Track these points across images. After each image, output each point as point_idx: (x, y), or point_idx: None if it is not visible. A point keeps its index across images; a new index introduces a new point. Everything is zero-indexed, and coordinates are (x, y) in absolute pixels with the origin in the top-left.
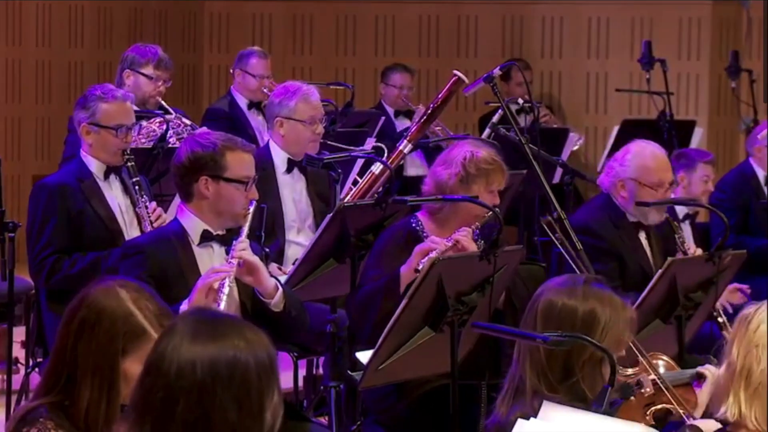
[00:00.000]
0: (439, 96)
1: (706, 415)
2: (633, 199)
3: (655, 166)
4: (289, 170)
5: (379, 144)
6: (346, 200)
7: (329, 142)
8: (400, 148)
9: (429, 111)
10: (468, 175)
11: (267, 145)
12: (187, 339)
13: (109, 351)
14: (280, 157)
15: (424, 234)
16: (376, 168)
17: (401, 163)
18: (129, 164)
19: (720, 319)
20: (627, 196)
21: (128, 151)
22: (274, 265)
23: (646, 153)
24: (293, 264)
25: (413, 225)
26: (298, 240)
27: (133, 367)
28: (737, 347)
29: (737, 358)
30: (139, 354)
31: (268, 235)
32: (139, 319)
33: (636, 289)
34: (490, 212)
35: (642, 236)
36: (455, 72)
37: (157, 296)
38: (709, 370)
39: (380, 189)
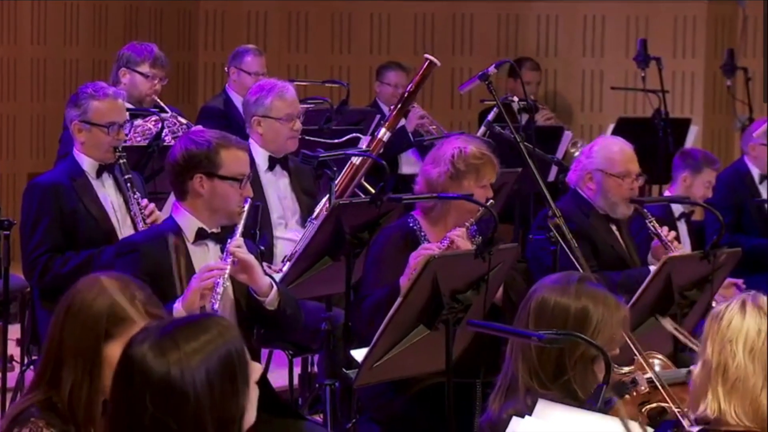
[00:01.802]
0: (413, 81)
1: None
2: (600, 190)
3: (621, 156)
4: (270, 168)
5: (357, 135)
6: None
7: (324, 140)
8: (379, 135)
9: (404, 96)
10: (458, 172)
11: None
12: (134, 375)
13: (92, 333)
14: (260, 156)
15: (422, 233)
16: (356, 159)
17: (380, 151)
18: (121, 161)
19: None
20: (594, 188)
21: (120, 149)
22: (264, 263)
23: (612, 145)
24: (282, 261)
25: (410, 225)
26: (287, 236)
27: (118, 351)
28: (711, 345)
29: (712, 356)
30: (124, 339)
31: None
32: (122, 304)
33: (610, 269)
34: (483, 208)
35: (612, 227)
36: (426, 56)
37: (146, 288)
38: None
39: (362, 179)
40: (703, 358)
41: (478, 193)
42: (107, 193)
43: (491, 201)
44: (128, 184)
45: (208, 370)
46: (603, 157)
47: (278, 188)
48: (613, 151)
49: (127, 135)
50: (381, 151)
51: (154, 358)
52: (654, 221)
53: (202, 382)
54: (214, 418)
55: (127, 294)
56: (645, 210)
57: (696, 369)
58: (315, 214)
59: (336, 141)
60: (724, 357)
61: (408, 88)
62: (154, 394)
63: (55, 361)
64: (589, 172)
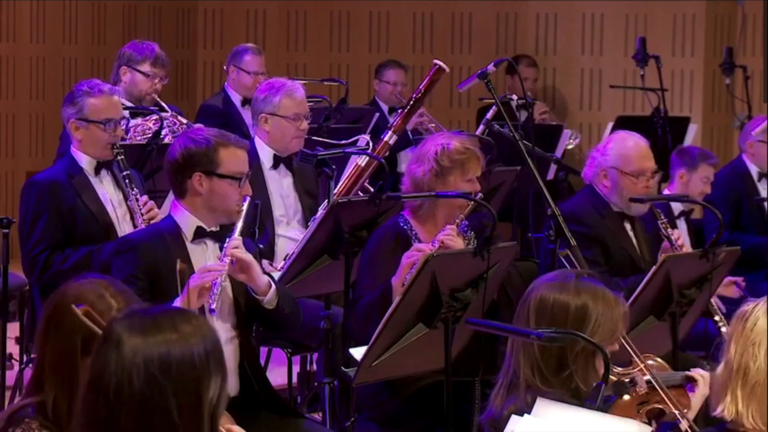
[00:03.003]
0: (421, 86)
1: (701, 414)
2: (615, 188)
3: (636, 154)
4: (275, 166)
5: (364, 136)
6: (337, 195)
7: (323, 139)
8: (385, 139)
9: (412, 101)
10: (442, 169)
11: (252, 142)
12: (123, 345)
13: (68, 348)
14: (265, 153)
15: (413, 232)
16: (362, 160)
17: (386, 154)
18: (119, 158)
19: (716, 317)
20: (609, 186)
21: (118, 145)
22: (264, 261)
23: (627, 142)
24: (284, 259)
25: (401, 225)
26: (288, 234)
27: None
28: (735, 345)
29: (734, 356)
30: None
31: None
32: (93, 320)
33: (622, 274)
34: (472, 203)
35: (627, 226)
36: (435, 61)
37: (129, 292)
38: (699, 373)
39: (367, 180)
40: (726, 358)
41: (464, 187)
42: (105, 189)
43: (479, 194)
44: (126, 181)
45: (206, 348)
46: (618, 155)
47: (281, 187)
48: (628, 147)
49: (127, 134)
50: (386, 154)
51: (149, 337)
52: (666, 223)
53: (200, 355)
54: (208, 394)
55: (102, 305)
56: (659, 210)
57: (719, 367)
58: (318, 214)
59: (341, 142)
60: (745, 359)
61: (416, 94)
62: (149, 362)
63: (42, 372)
64: (604, 169)
